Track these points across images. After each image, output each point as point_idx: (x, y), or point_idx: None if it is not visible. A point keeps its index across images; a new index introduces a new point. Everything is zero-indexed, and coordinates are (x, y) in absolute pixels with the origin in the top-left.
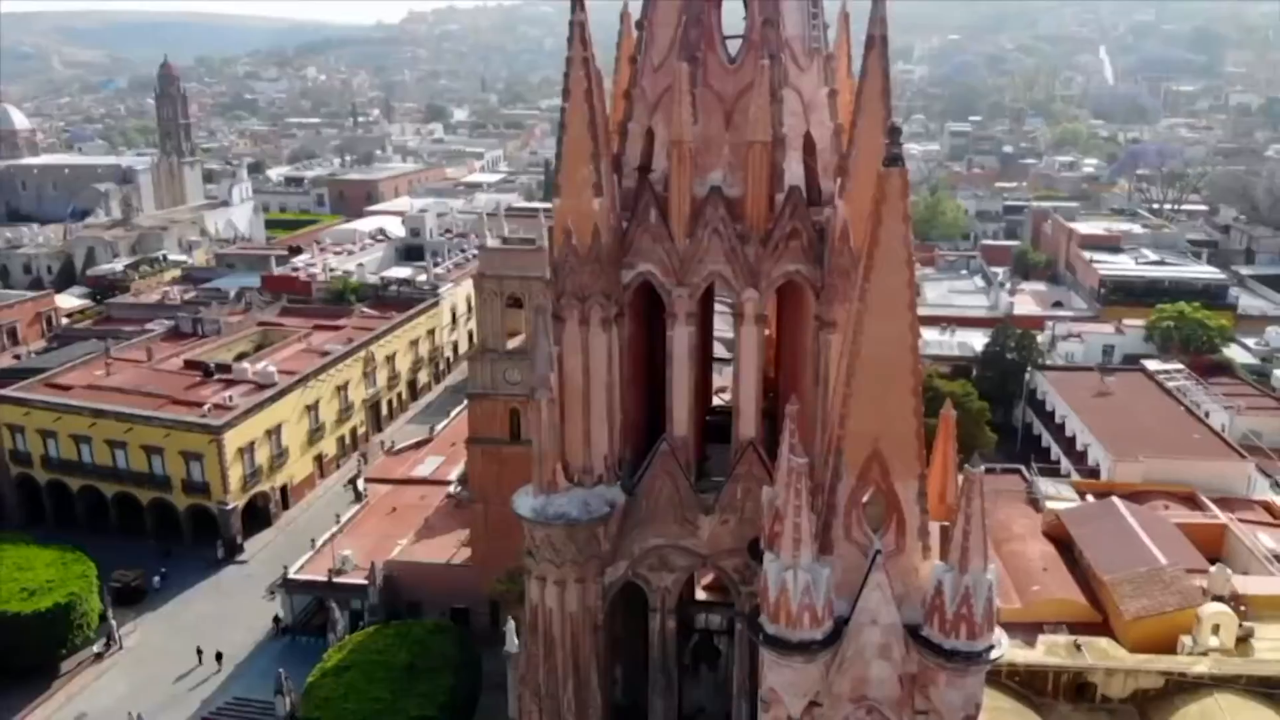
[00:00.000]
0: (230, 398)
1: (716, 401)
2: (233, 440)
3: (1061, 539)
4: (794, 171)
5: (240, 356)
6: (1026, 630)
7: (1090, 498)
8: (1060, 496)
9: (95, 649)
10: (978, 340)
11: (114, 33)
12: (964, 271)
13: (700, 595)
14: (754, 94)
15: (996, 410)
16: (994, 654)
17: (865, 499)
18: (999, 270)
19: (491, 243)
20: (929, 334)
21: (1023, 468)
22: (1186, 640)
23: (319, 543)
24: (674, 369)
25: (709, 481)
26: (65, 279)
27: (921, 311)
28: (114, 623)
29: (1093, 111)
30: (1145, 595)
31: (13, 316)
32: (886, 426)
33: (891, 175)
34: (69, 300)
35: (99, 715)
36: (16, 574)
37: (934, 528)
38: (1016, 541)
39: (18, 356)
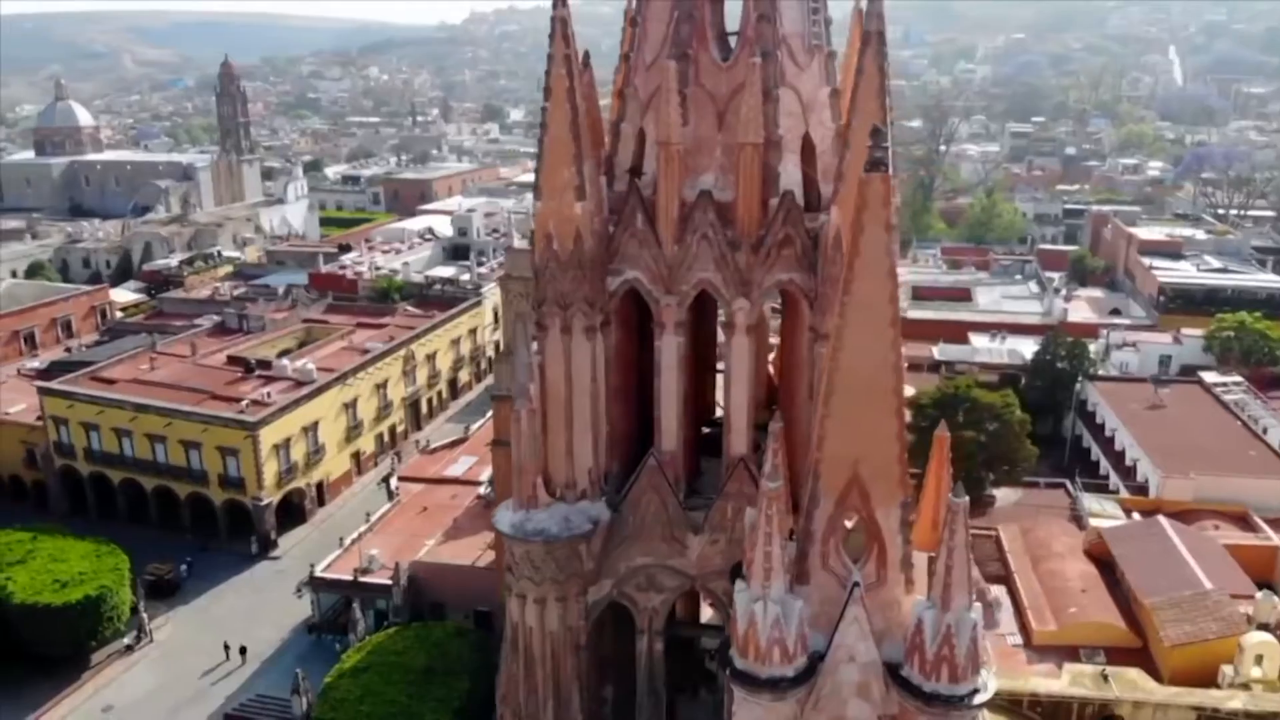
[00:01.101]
0: (268, 394)
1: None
2: (268, 436)
3: (1103, 558)
4: (790, 175)
5: (284, 353)
6: (1061, 654)
7: (1136, 515)
8: (1105, 514)
9: (126, 641)
10: (1029, 348)
11: (184, 32)
12: (1018, 276)
13: (707, 614)
14: (745, 93)
15: (1045, 421)
16: (978, 698)
17: (850, 526)
18: (1054, 276)
19: (519, 244)
20: (978, 340)
21: (1067, 483)
22: (1228, 670)
23: (347, 541)
24: (662, 380)
25: (701, 499)
26: (122, 274)
27: (973, 317)
28: (145, 615)
29: (1160, 113)
30: (1187, 621)
31: (68, 310)
32: (867, 449)
33: (873, 180)
34: (124, 294)
35: (125, 708)
36: (51, 565)
37: (923, 559)
38: (1055, 560)
39: (69, 349)
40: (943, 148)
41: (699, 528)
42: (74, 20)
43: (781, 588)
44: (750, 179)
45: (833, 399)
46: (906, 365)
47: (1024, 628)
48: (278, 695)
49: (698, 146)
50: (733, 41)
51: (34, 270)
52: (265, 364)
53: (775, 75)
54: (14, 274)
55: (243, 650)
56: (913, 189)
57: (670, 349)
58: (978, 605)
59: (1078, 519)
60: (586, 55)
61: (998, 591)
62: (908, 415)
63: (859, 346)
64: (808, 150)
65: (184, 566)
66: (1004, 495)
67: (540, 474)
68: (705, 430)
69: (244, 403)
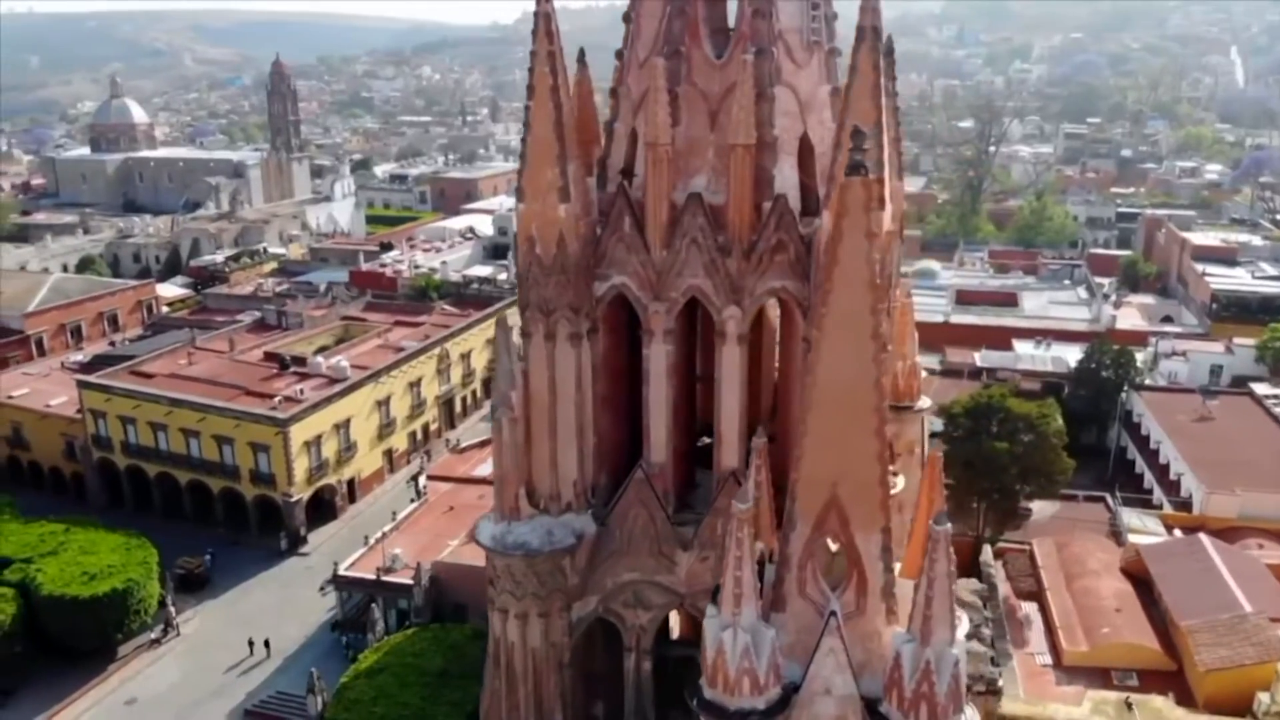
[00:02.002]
0: (301, 391)
1: None
2: (299, 433)
3: (1141, 577)
4: (786, 177)
5: (321, 350)
6: (1091, 676)
7: (1178, 532)
8: (1145, 530)
9: (152, 635)
10: (1074, 356)
11: (243, 31)
12: (1067, 281)
13: None
14: (736, 92)
15: (1088, 432)
16: None
17: (834, 550)
18: (1104, 281)
19: None
20: (1022, 347)
21: (1107, 496)
22: (1264, 698)
23: (372, 539)
24: (650, 389)
25: (692, 514)
26: (171, 269)
27: (1017, 323)
28: (173, 609)
29: (1219, 115)
30: (1223, 645)
31: (114, 304)
32: (846, 470)
33: (853, 185)
34: (170, 289)
35: (149, 701)
36: (81, 558)
37: (908, 586)
38: (1090, 577)
39: (113, 343)
40: (992, 148)
41: (688, 544)
42: (137, 18)
43: (753, 615)
44: (742, 182)
45: (810, 416)
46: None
47: (1054, 647)
48: (298, 692)
49: (689, 147)
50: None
51: (85, 264)
52: (300, 361)
53: (770, 73)
54: (65, 268)
55: (266, 644)
56: (961, 190)
57: (659, 358)
58: (961, 639)
59: (1116, 535)
60: (582, 53)
61: (1029, 609)
62: (939, 424)
63: (838, 360)
64: (805, 152)
65: (207, 558)
66: (1040, 509)
67: (523, 485)
68: (707, 441)
69: (277, 399)
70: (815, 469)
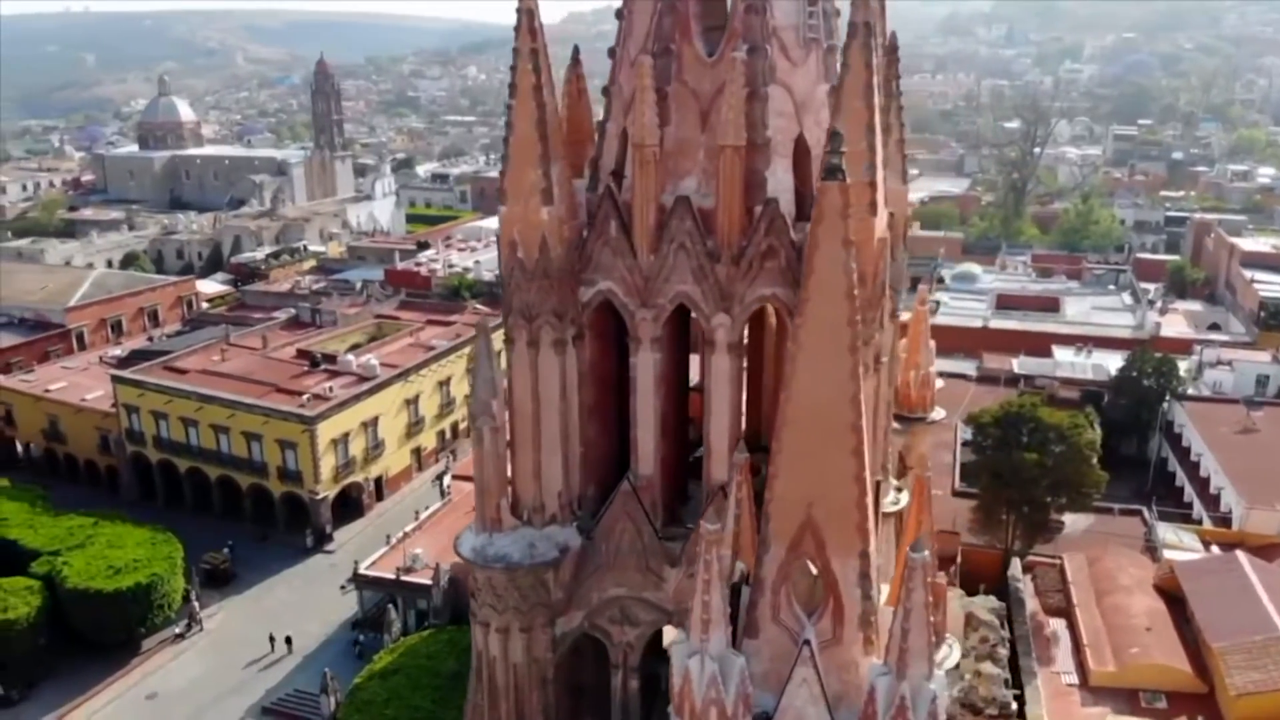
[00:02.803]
0: (330, 389)
1: None
2: (326, 431)
3: (1174, 594)
4: (779, 180)
5: (353, 348)
6: (1119, 697)
7: (1215, 549)
8: (1181, 545)
9: (176, 629)
10: (1116, 363)
11: (295, 31)
12: (1111, 287)
13: None
14: (725, 92)
15: (1128, 442)
16: None
17: (811, 574)
18: (1150, 287)
19: None
20: (1062, 354)
21: (1144, 509)
22: None
23: (394, 539)
24: (638, 399)
25: (681, 528)
26: (213, 265)
27: (1058, 328)
28: (196, 604)
29: (1274, 117)
30: (1257, 667)
31: (155, 300)
32: (822, 491)
33: (829, 190)
34: (210, 286)
35: (169, 696)
36: (107, 551)
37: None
38: (1121, 594)
39: (150, 338)
40: (1037, 150)
41: (676, 560)
42: (192, 18)
43: (722, 642)
44: (731, 185)
45: (785, 432)
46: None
47: (1081, 666)
48: (314, 691)
49: (680, 149)
50: None
51: (129, 260)
52: (331, 358)
53: (764, 71)
54: (110, 263)
55: (288, 640)
56: (1005, 192)
57: (646, 366)
58: (939, 674)
59: (1151, 550)
60: (576, 51)
61: (1056, 625)
62: (968, 433)
63: (814, 375)
64: (801, 154)
65: (225, 550)
66: (1073, 521)
67: (505, 495)
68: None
69: (305, 397)
70: (790, 488)
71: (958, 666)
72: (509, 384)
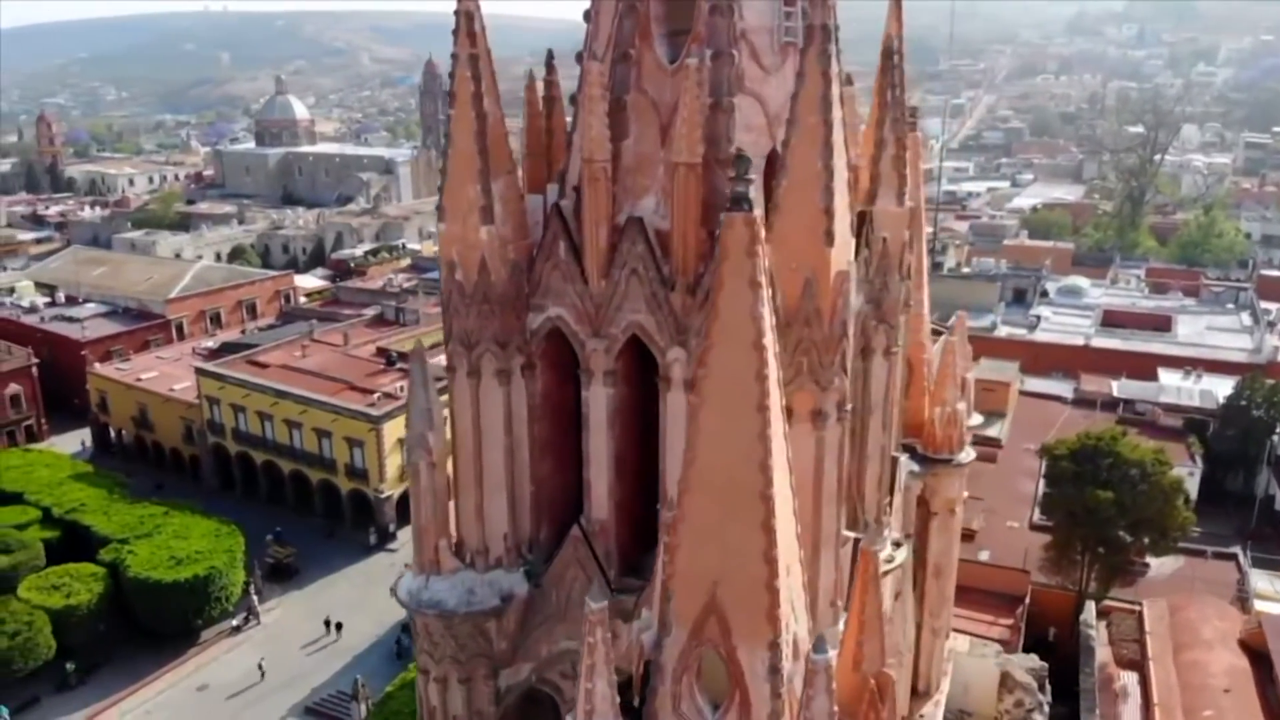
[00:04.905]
0: (402, 388)
1: None
2: (392, 430)
3: (1261, 652)
4: None
5: (432, 347)
6: None
7: None
8: (1276, 596)
9: (234, 622)
10: (1227, 389)
11: (419, 32)
12: (1230, 305)
13: None
14: (680, 102)
15: (1232, 477)
16: None
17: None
18: (1272, 307)
19: None
20: (1168, 377)
21: (1239, 553)
22: None
23: None
24: (590, 437)
25: (637, 579)
26: (315, 260)
27: (1166, 349)
28: (255, 598)
29: None
30: None
31: (253, 293)
32: (728, 568)
33: (734, 223)
34: (309, 281)
35: (219, 689)
36: (172, 542)
37: None
38: (1202, 649)
39: (243, 331)
40: (1158, 156)
41: (629, 614)
42: (321, 19)
43: None
44: (686, 206)
45: (685, 500)
46: (1079, 400)
47: None
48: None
49: (638, 164)
50: None
51: (236, 254)
52: (406, 357)
53: (730, 80)
54: (218, 256)
55: (339, 626)
56: (1121, 200)
57: (599, 401)
58: None
59: (1242, 600)
60: (550, 55)
61: (1129, 679)
62: (1040, 465)
63: (717, 435)
64: (774, 172)
65: (270, 537)
66: (1160, 564)
67: (444, 536)
68: None
69: (375, 395)
70: (692, 564)
71: None
72: (450, 416)
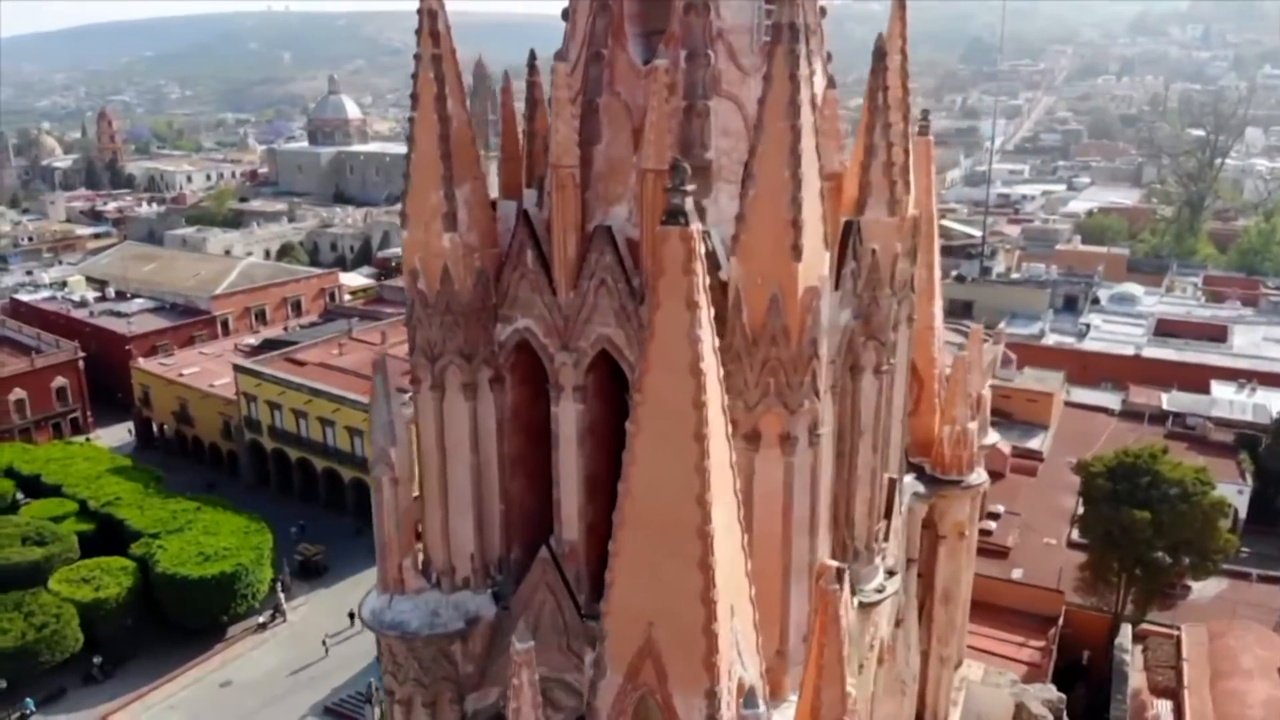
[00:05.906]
0: None
1: None
2: None
3: None
4: (723, 210)
5: None
6: None
7: None
8: None
9: (261, 619)
10: None
11: (476, 33)
12: None
13: None
14: (648, 105)
15: None
16: None
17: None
18: None
19: None
20: (1221, 390)
21: None
22: None
23: None
24: (560, 454)
25: None
26: (363, 259)
27: (1221, 360)
28: (282, 596)
29: None
30: None
31: (299, 290)
32: (664, 609)
33: (669, 238)
34: (354, 279)
35: (243, 685)
36: (201, 538)
37: None
38: (1240, 678)
39: (286, 328)
40: (1218, 160)
41: (597, 641)
42: (380, 19)
43: None
44: (656, 214)
45: (621, 534)
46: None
47: None
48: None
49: (611, 170)
50: None
51: (285, 251)
52: None
53: (705, 82)
54: (267, 253)
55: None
56: (1180, 206)
57: (568, 417)
58: None
59: None
60: (532, 55)
61: (1162, 708)
62: (1075, 483)
63: (652, 465)
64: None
65: (294, 529)
66: (1203, 588)
67: (408, 555)
68: None
69: (407, 396)
70: (627, 602)
71: None
72: (416, 431)
